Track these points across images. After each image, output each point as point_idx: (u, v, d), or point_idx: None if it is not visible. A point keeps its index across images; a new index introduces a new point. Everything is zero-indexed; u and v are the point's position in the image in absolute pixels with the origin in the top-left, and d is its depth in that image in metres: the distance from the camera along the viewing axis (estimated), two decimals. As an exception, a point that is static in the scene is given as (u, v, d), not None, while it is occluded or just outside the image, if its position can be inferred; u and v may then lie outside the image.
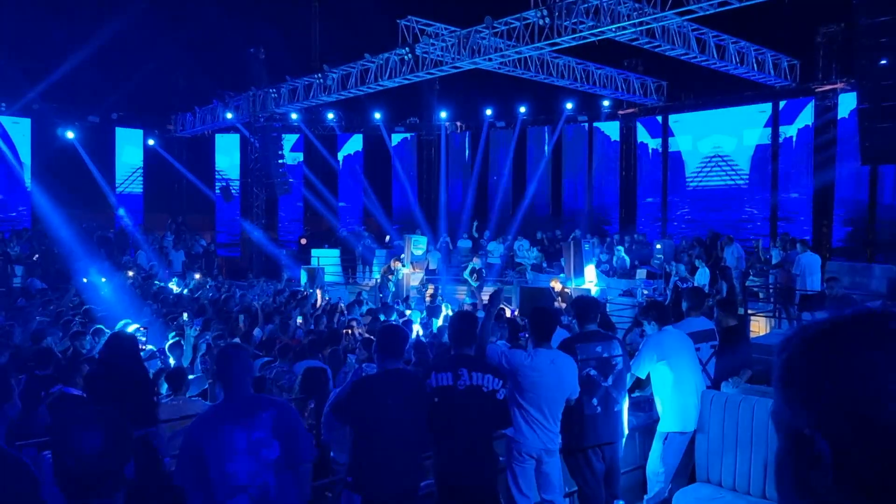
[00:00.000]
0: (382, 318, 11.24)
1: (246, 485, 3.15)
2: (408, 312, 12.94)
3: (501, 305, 15.01)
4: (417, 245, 19.36)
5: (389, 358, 3.93)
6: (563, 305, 11.80)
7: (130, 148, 23.99)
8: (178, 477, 3.26)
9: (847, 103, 17.11)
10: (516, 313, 13.86)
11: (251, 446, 3.17)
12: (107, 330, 7.98)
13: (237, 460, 3.15)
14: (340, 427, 4.11)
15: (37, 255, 16.26)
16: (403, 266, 17.78)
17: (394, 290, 16.69)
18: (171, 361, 7.88)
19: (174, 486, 3.35)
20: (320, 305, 13.70)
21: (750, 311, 12.74)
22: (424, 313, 13.01)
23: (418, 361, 7.02)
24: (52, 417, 4.57)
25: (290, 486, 3.29)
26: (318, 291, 15.99)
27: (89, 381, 4.65)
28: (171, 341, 8.61)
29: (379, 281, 17.43)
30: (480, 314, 6.04)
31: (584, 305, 5.22)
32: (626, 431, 5.13)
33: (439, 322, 11.90)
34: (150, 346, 8.18)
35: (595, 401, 4.78)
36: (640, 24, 13.01)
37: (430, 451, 4.15)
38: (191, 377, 6.61)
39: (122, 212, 22.28)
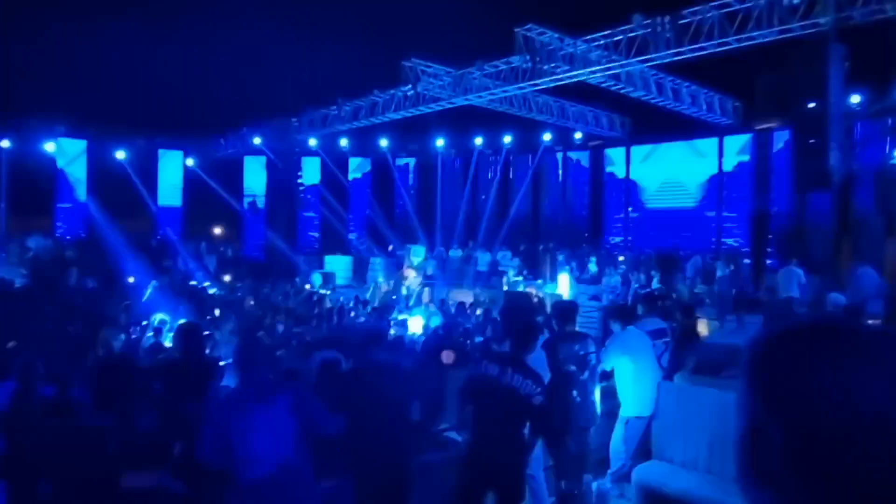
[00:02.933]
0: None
1: (268, 460, 3.03)
2: (402, 316, 12.78)
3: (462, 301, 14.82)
4: (416, 254, 19.39)
5: (371, 350, 4.01)
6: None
7: (172, 167, 23.93)
8: (200, 452, 3.07)
9: (781, 139, 17.34)
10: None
11: (271, 424, 3.06)
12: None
13: (258, 438, 3.03)
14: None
15: (74, 262, 15.92)
16: (416, 273, 17.83)
17: (406, 293, 16.71)
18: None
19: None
20: (332, 307, 13.67)
21: (696, 316, 12.80)
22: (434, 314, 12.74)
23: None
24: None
25: (311, 463, 3.18)
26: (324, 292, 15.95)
27: (167, 373, 4.32)
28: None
29: (393, 286, 17.52)
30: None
31: (565, 309, 5.22)
32: (598, 418, 5.15)
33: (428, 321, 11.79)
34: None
35: (574, 392, 4.81)
36: (608, 69, 13.13)
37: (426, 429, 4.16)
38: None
39: None
